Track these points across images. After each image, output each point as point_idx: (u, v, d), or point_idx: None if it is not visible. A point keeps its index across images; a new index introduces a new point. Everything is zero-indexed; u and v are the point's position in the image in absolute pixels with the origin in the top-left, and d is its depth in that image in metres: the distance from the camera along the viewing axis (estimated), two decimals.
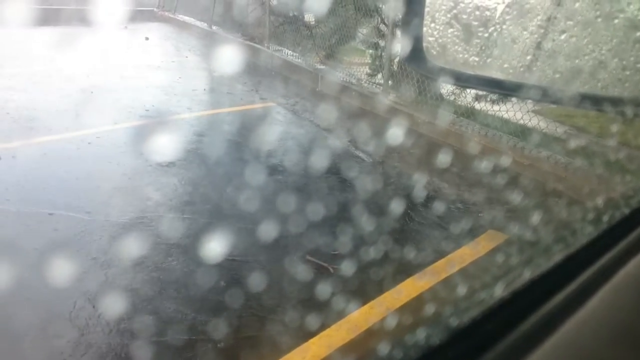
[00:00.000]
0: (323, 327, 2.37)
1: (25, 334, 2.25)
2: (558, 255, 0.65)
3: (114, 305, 2.46)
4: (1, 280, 2.23)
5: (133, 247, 2.94)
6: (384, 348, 0.51)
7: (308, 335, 2.32)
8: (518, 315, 0.54)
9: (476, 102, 5.50)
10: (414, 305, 2.61)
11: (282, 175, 4.10)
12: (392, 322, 2.49)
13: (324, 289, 2.61)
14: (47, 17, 9.45)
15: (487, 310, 0.54)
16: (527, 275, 0.64)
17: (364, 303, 2.58)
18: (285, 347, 2.26)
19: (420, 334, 0.53)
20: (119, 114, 5.26)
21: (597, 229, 0.72)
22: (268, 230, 3.02)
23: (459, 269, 2.95)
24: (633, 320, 0.58)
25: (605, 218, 0.75)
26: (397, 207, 3.66)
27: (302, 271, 2.79)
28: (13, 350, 2.18)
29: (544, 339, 0.52)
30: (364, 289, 2.69)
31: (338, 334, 2.38)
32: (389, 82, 6.39)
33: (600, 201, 3.24)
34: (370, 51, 7.20)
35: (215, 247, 2.92)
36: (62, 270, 2.51)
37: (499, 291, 0.62)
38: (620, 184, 3.73)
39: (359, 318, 2.50)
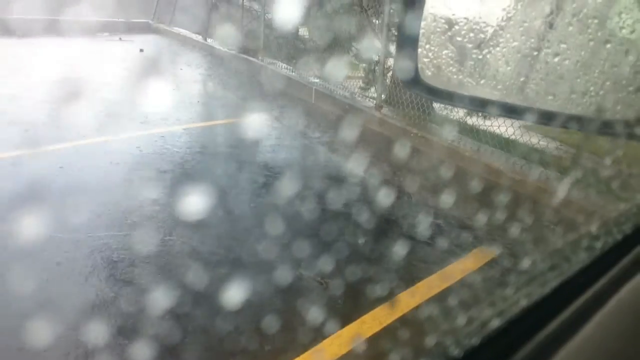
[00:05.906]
0: (315, 341, 2.37)
1: None
2: (551, 283, 0.65)
3: None
4: None
5: None
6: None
7: (300, 348, 2.32)
8: (512, 345, 0.54)
9: (469, 118, 5.55)
10: (405, 320, 2.61)
11: (266, 183, 4.10)
12: (384, 337, 2.49)
13: (315, 304, 2.63)
14: (44, 28, 9.45)
15: (480, 340, 0.54)
16: (513, 298, 0.64)
17: (357, 318, 2.58)
18: None
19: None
20: (113, 125, 5.28)
21: (589, 254, 0.73)
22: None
23: (445, 288, 2.94)
24: (626, 347, 0.58)
25: (598, 244, 0.76)
26: (381, 222, 3.67)
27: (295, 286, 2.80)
28: None
29: None
30: (356, 304, 2.69)
31: (330, 349, 2.37)
32: (382, 96, 6.43)
33: (591, 221, 3.25)
34: (364, 65, 7.24)
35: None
36: None
37: (489, 313, 0.62)
38: (611, 202, 3.75)
39: (351, 333, 2.49)
